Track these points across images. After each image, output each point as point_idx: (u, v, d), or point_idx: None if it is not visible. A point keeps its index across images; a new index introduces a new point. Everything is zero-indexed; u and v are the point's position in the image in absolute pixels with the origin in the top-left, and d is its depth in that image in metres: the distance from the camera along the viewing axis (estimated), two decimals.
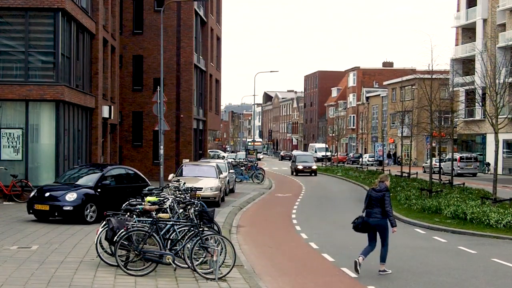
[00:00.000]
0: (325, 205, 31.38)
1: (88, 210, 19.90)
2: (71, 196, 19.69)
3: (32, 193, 20.63)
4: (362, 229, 14.69)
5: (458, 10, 69.66)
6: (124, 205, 14.77)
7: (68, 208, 19.54)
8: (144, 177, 23.46)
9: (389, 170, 53.84)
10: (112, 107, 35.56)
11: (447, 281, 13.84)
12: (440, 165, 44.22)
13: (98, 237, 13.41)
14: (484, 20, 63.41)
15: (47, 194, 19.99)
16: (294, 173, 59.00)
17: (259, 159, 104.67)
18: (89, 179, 21.06)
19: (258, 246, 18.44)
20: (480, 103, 36.67)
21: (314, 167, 59.12)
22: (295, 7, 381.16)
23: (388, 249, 17.91)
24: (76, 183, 20.91)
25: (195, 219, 13.82)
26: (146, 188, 17.19)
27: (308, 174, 58.32)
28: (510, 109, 37.20)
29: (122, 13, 43.41)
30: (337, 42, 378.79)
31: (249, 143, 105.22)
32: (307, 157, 62.76)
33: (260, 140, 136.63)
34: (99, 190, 20.46)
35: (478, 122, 60.01)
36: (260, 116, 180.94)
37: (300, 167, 58.68)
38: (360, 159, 79.86)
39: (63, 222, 19.86)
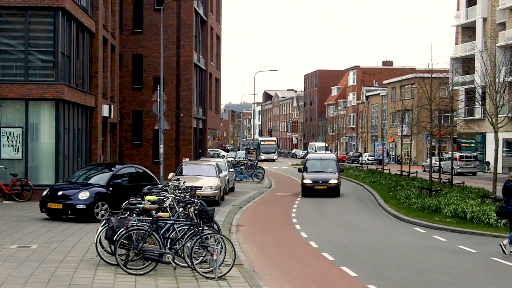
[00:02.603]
0: (324, 204, 31.39)
1: (99, 209, 20.02)
2: (83, 195, 19.97)
3: (45, 192, 20.84)
4: (504, 215, 16.82)
5: (458, 9, 69.66)
6: (124, 204, 14.80)
7: (81, 206, 19.80)
8: (153, 176, 23.74)
9: (389, 169, 53.88)
10: (112, 106, 35.55)
11: (447, 280, 13.84)
12: (440, 164, 44.26)
13: (98, 236, 13.41)
14: (484, 19, 63.40)
15: (60, 193, 20.27)
16: (302, 194, 35.38)
17: (273, 160, 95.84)
18: (100, 178, 21.36)
19: (258, 245, 18.45)
20: (480, 102, 36.72)
21: (334, 180, 34.86)
22: (295, 6, 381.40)
23: (389, 247, 17.97)
24: (88, 182, 21.23)
25: (195, 218, 13.83)
26: (146, 188, 17.22)
27: (325, 193, 35.05)
28: (510, 108, 37.21)
29: (122, 12, 43.42)
30: (337, 42, 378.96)
31: (262, 142, 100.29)
32: (324, 163, 36.71)
33: (274, 138, 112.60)
34: (110, 189, 20.71)
35: (478, 121, 60.02)
36: (260, 115, 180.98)
37: (307, 181, 34.86)
38: (360, 158, 79.91)
39: (75, 220, 19.92)
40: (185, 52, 44.40)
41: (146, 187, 17.26)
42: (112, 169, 21.92)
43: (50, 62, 27.22)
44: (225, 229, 19.99)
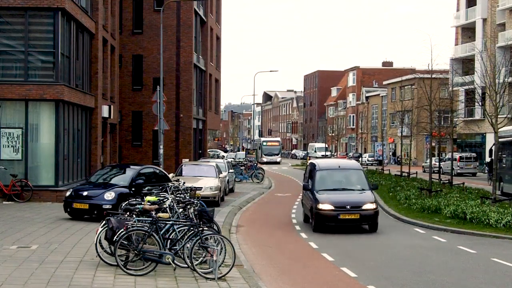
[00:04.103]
0: None
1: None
2: (109, 195, 20.37)
3: (68, 193, 21.20)
4: None
5: (457, 10, 69.66)
6: (123, 204, 14.81)
7: (107, 206, 20.04)
8: (168, 176, 24.19)
9: (389, 169, 53.88)
10: (112, 106, 35.54)
11: (446, 281, 13.85)
12: (439, 164, 44.25)
13: (97, 237, 13.42)
14: (484, 20, 63.41)
15: (85, 193, 20.73)
16: (314, 228, 21.56)
17: (278, 163, 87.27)
18: (122, 179, 21.83)
19: (257, 246, 18.45)
20: (480, 103, 36.70)
21: (371, 205, 21.26)
22: (295, 6, 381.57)
23: (389, 248, 17.93)
24: (110, 182, 21.69)
25: (194, 219, 13.83)
26: (146, 188, 17.25)
27: (357, 226, 21.86)
28: (509, 108, 37.23)
29: (122, 13, 43.39)
30: (337, 42, 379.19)
31: (265, 143, 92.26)
32: (347, 176, 23.35)
33: (278, 139, 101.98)
34: (133, 189, 20.97)
35: (478, 122, 60.01)
36: (260, 116, 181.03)
37: (327, 207, 21.08)
38: (360, 159, 79.86)
39: (98, 220, 20.03)
40: (185, 52, 44.40)
41: (146, 188, 17.30)
42: (133, 169, 22.45)
43: (50, 63, 27.20)
44: (225, 229, 19.99)
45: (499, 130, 26.82)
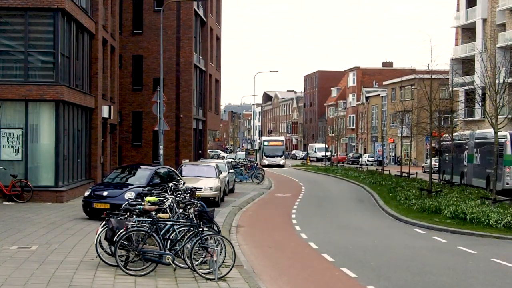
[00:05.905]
0: (324, 205, 31.39)
1: None
2: (129, 195, 20.45)
3: (87, 193, 21.38)
4: None
5: (457, 10, 69.64)
6: (123, 205, 14.83)
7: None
8: (179, 175, 24.61)
9: (389, 170, 53.87)
10: (112, 107, 35.53)
11: (446, 281, 13.85)
12: (440, 165, 44.23)
13: (97, 237, 13.41)
14: (484, 20, 63.39)
15: (105, 193, 20.98)
16: None
17: (281, 166, 76.96)
18: (139, 178, 22.06)
19: (257, 246, 18.45)
20: (480, 103, 36.69)
21: None
22: (295, 6, 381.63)
23: (389, 248, 17.91)
24: (127, 182, 21.99)
25: (194, 219, 13.83)
26: (146, 188, 17.26)
27: None
28: (509, 109, 37.24)
29: (122, 13, 43.42)
30: (337, 42, 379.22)
31: (266, 143, 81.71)
32: None
33: (281, 138, 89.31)
34: (149, 188, 20.96)
35: (478, 122, 59.90)
36: (260, 116, 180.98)
37: None
38: (360, 159, 79.83)
39: None
40: (185, 53, 44.41)
41: (147, 188, 17.31)
42: (149, 169, 22.78)
43: (50, 63, 27.20)
44: (225, 230, 19.99)
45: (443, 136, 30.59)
